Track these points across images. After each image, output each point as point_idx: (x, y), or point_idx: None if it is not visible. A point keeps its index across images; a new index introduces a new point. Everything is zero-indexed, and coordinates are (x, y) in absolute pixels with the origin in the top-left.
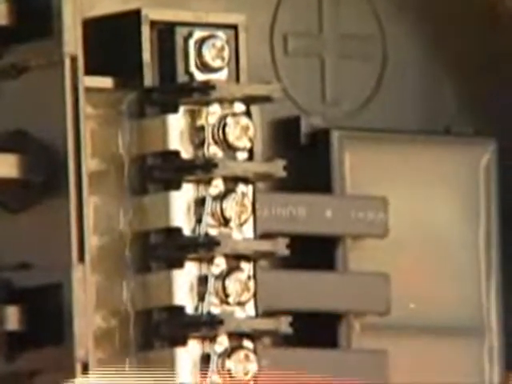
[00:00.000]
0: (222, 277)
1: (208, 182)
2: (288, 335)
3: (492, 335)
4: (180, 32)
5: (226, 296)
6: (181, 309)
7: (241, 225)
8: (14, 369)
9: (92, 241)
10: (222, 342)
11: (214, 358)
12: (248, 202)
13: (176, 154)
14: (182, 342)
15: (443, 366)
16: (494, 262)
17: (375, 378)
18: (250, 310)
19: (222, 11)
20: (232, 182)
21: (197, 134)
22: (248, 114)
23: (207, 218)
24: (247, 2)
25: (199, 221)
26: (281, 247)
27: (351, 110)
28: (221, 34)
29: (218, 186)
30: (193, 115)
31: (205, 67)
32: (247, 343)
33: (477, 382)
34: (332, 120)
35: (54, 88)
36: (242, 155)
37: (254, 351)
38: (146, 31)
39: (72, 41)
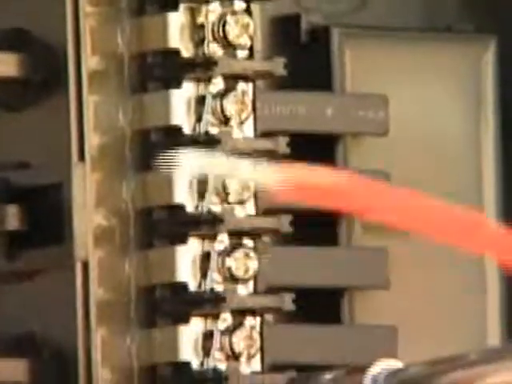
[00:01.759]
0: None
1: (208, 80)
2: (287, 234)
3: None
4: None
5: (227, 194)
6: (181, 207)
7: (241, 123)
8: (14, 268)
9: (92, 140)
10: (222, 241)
11: (214, 257)
12: (248, 100)
13: (176, 52)
14: (182, 240)
15: (445, 265)
16: (495, 156)
17: (375, 275)
18: (250, 209)
19: None
20: (232, 80)
21: (197, 32)
22: (248, 11)
23: (207, 116)
24: None
25: (199, 119)
26: (281, 146)
27: (351, 7)
28: None
29: (218, 84)
30: (193, 13)
31: None
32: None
33: (477, 278)
34: (332, 17)
35: None
36: (242, 53)
37: (255, 249)
38: None
39: None
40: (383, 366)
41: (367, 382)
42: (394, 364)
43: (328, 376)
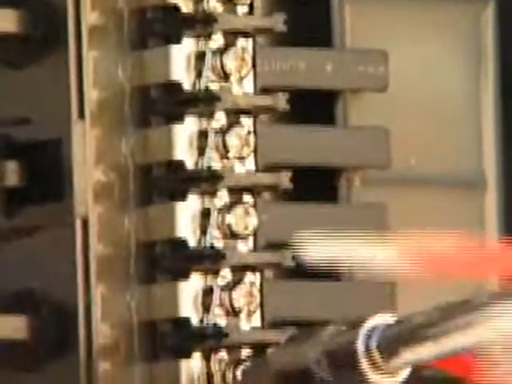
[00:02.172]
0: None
1: (208, 37)
2: (287, 191)
3: (493, 188)
4: None
5: (226, 151)
6: (181, 163)
7: (241, 79)
8: (13, 225)
9: (91, 96)
10: (222, 198)
11: (213, 213)
12: (248, 56)
13: (176, 8)
14: (182, 197)
15: (444, 219)
16: (495, 113)
17: (375, 231)
18: (249, 165)
19: None
20: (232, 36)
21: None
22: None
23: (207, 72)
24: None
25: (199, 75)
26: (281, 102)
27: None
28: None
29: (218, 40)
30: None
31: None
32: (247, 198)
33: (476, 234)
34: None
35: None
36: (242, 9)
37: (254, 206)
38: None
39: None
40: (379, 320)
41: (361, 336)
42: (390, 319)
43: (327, 331)
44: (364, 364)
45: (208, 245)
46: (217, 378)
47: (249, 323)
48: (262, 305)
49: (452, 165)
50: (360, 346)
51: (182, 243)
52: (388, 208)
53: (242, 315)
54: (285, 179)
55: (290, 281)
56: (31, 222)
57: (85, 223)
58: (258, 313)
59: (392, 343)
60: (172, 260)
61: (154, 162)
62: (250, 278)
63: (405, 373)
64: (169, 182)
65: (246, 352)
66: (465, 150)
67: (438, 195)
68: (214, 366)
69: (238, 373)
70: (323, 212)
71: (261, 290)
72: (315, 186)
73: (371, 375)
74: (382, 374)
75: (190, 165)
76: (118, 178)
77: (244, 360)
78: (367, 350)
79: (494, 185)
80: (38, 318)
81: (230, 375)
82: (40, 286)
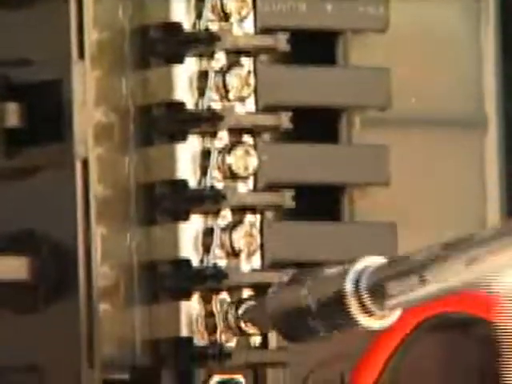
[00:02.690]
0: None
1: None
2: (288, 131)
3: (493, 128)
4: None
5: (227, 91)
6: (181, 104)
7: (241, 20)
8: (13, 165)
9: (91, 36)
10: (222, 138)
11: (214, 154)
12: None
13: None
14: (182, 137)
15: (444, 160)
16: (496, 53)
17: (376, 173)
18: (250, 105)
19: None
20: None
21: None
22: None
23: (207, 14)
24: None
25: (199, 17)
26: (281, 42)
27: None
28: None
29: None
30: None
31: None
32: (247, 139)
33: (477, 174)
34: None
35: None
36: None
37: (255, 146)
38: None
39: None
40: (368, 261)
41: (350, 278)
42: (379, 260)
43: (322, 273)
44: (353, 306)
45: (208, 186)
46: (219, 319)
47: (249, 264)
48: (261, 246)
49: (453, 105)
50: (349, 288)
51: (183, 184)
52: (389, 149)
53: (242, 256)
54: (285, 120)
55: (290, 222)
56: (31, 163)
57: (85, 164)
58: (258, 254)
59: (381, 285)
60: (172, 201)
61: (154, 102)
62: (250, 218)
63: (394, 316)
64: (169, 122)
65: (247, 293)
66: (465, 90)
67: (438, 136)
68: (216, 307)
69: (240, 313)
70: (324, 153)
71: (261, 231)
72: (316, 126)
73: (360, 318)
74: (371, 316)
75: (190, 105)
76: (118, 119)
77: (246, 300)
78: (356, 291)
79: (495, 125)
80: (38, 258)
81: (231, 316)
82: (40, 227)
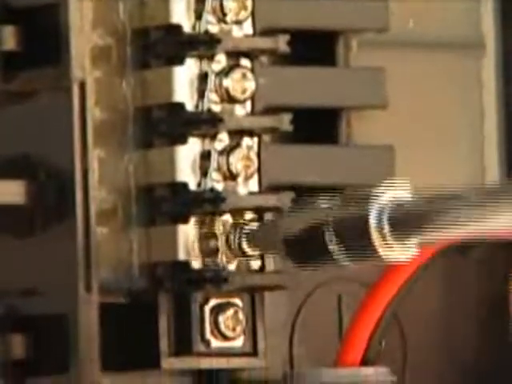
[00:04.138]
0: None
1: None
2: (285, 55)
3: (491, 49)
4: None
5: (224, 15)
6: (178, 28)
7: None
8: (11, 89)
9: None
10: (220, 61)
11: (211, 77)
12: None
13: None
14: (180, 62)
15: (442, 82)
16: None
17: (373, 96)
18: (247, 28)
19: None
20: None
21: None
22: None
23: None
24: None
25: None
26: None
27: None
28: None
29: None
30: None
31: None
32: (245, 62)
33: (475, 95)
34: None
35: None
36: None
37: (252, 70)
38: None
39: None
40: (391, 194)
41: (374, 210)
42: (402, 194)
43: (336, 200)
44: (375, 238)
45: (205, 109)
46: (221, 240)
47: (246, 188)
48: (259, 169)
49: (450, 26)
50: (372, 221)
51: (180, 107)
52: (386, 71)
53: (240, 180)
54: (283, 43)
55: (288, 145)
56: (28, 85)
57: (82, 87)
58: (256, 177)
59: (403, 221)
60: (169, 124)
61: (151, 26)
62: (248, 142)
63: (413, 250)
64: (166, 46)
65: (248, 216)
66: (463, 10)
67: (436, 57)
68: (218, 228)
69: (243, 235)
70: (321, 76)
71: (258, 154)
72: (313, 50)
73: (381, 250)
74: (390, 249)
75: (187, 28)
76: (116, 43)
77: (250, 221)
78: (379, 224)
79: (492, 46)
80: (35, 182)
81: (233, 237)
82: (37, 150)
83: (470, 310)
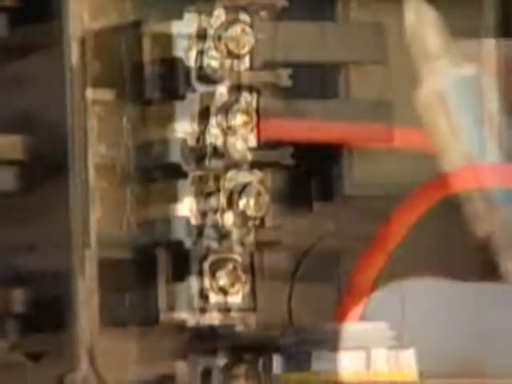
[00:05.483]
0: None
1: None
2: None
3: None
4: None
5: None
6: None
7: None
8: (7, 45)
9: None
10: (219, 16)
11: (210, 33)
12: None
13: None
14: (179, 16)
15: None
16: None
17: (372, 51)
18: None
19: None
20: None
21: None
22: None
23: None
24: None
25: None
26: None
27: None
28: None
29: None
30: None
31: None
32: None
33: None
34: None
35: None
36: None
37: (251, 25)
38: None
39: None
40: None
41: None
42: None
43: None
44: None
45: (205, 65)
46: (220, 196)
47: (245, 143)
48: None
49: None
50: None
51: (179, 63)
52: (385, 27)
53: (239, 135)
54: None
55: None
56: (25, 41)
57: (82, 42)
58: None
59: None
60: (168, 79)
61: None
62: (247, 97)
63: None
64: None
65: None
66: None
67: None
68: (217, 184)
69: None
70: (321, 31)
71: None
72: (312, 5)
73: None
74: None
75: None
76: None
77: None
78: None
79: None
80: (33, 138)
81: (232, 193)
82: (35, 106)
83: None
